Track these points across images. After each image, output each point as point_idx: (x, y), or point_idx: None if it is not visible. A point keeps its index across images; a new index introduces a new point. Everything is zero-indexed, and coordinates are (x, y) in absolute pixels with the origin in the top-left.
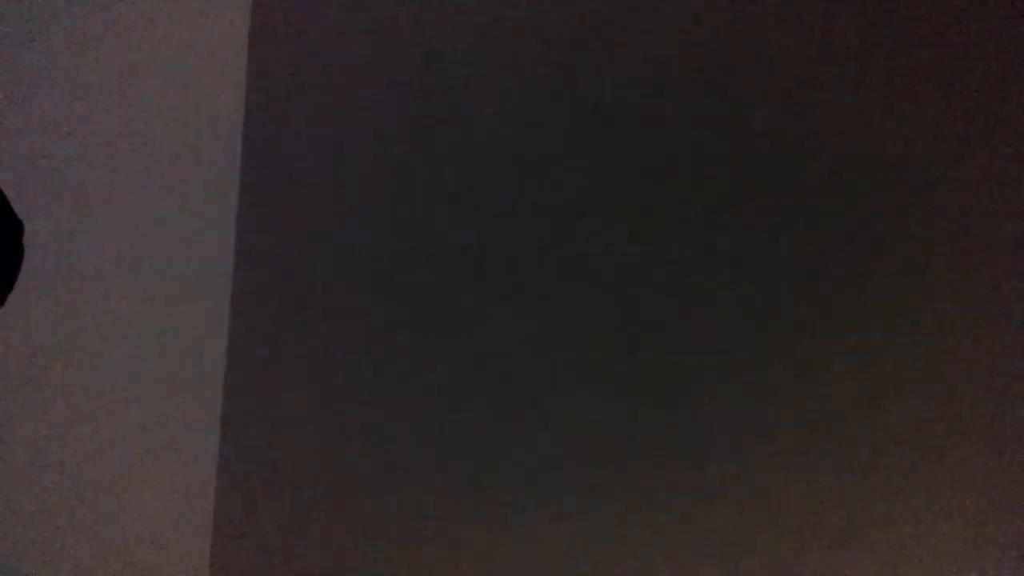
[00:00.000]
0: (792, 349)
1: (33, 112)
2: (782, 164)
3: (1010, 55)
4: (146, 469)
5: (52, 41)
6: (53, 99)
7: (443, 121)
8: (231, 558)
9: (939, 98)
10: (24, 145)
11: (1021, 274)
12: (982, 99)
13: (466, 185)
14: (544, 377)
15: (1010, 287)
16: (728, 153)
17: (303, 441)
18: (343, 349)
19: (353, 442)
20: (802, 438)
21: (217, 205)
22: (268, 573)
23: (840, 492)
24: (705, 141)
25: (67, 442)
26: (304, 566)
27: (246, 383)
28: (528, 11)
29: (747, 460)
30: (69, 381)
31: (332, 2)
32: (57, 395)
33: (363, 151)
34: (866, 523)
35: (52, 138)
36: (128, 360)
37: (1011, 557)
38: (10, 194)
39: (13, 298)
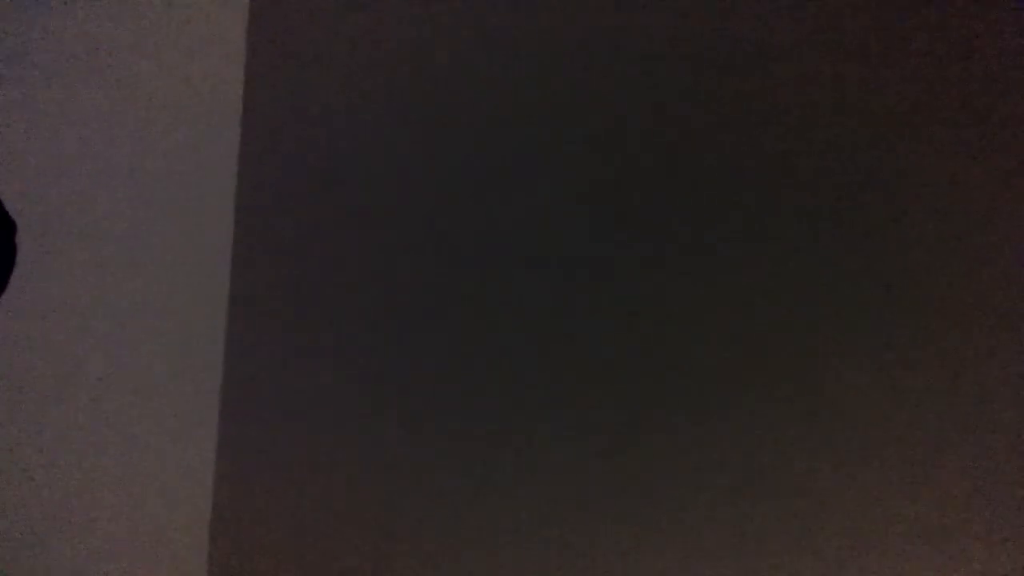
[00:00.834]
0: (792, 350)
1: (29, 112)
2: (783, 165)
3: (1011, 55)
4: (143, 468)
5: (49, 41)
6: (49, 99)
7: (443, 121)
8: (228, 557)
9: (939, 98)
10: (20, 145)
11: (1021, 275)
12: (982, 99)
13: (466, 185)
14: (545, 378)
15: (1011, 287)
16: (728, 154)
17: (300, 440)
18: (341, 348)
19: (351, 442)
20: (803, 440)
21: (215, 205)
22: (265, 572)
23: (841, 494)
24: (705, 142)
25: (64, 441)
26: (301, 565)
27: (244, 382)
28: (529, 11)
29: (747, 461)
30: (66, 380)
31: (330, 2)
32: (53, 394)
33: (362, 151)
34: (868, 525)
35: (48, 138)
36: (125, 359)
37: (1014, 558)
38: (4, 194)
39: (8, 297)
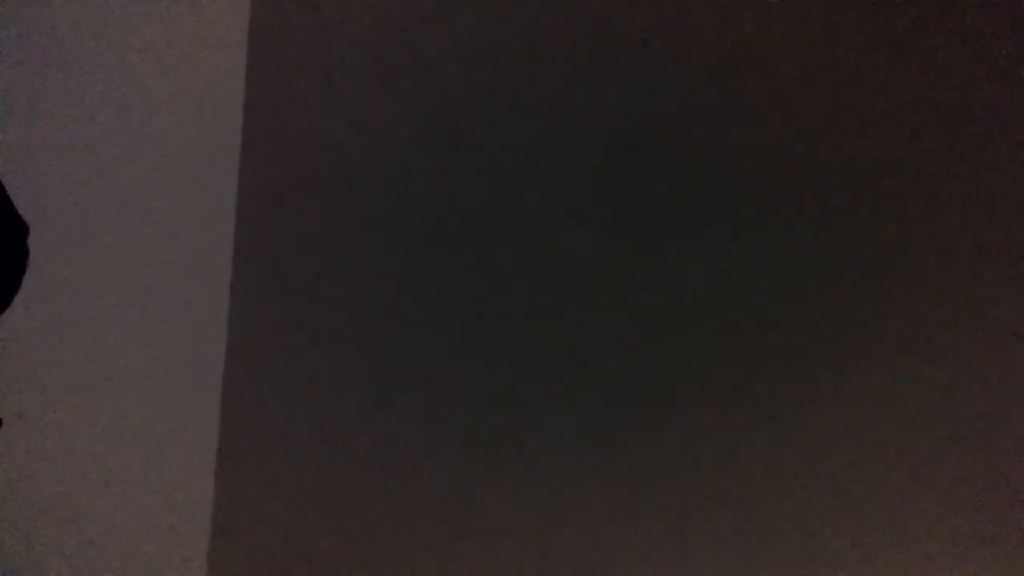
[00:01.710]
0: (792, 351)
1: (33, 114)
2: (782, 166)
3: (1011, 55)
4: (145, 468)
5: (50, 42)
6: (52, 101)
7: (444, 121)
8: (229, 556)
9: (940, 99)
10: (23, 147)
11: (1021, 275)
12: (982, 99)
13: (467, 186)
14: (546, 377)
15: (1011, 288)
16: (728, 155)
17: (301, 441)
18: (342, 349)
19: (352, 442)
20: (803, 440)
21: (216, 206)
22: (266, 572)
23: (842, 494)
24: (705, 143)
25: (66, 441)
26: (302, 565)
27: (245, 383)
28: (531, 11)
29: (747, 462)
30: (68, 381)
31: (331, 2)
32: (56, 395)
33: (363, 151)
34: (866, 529)
35: (51, 140)
36: (127, 360)
37: (1013, 560)
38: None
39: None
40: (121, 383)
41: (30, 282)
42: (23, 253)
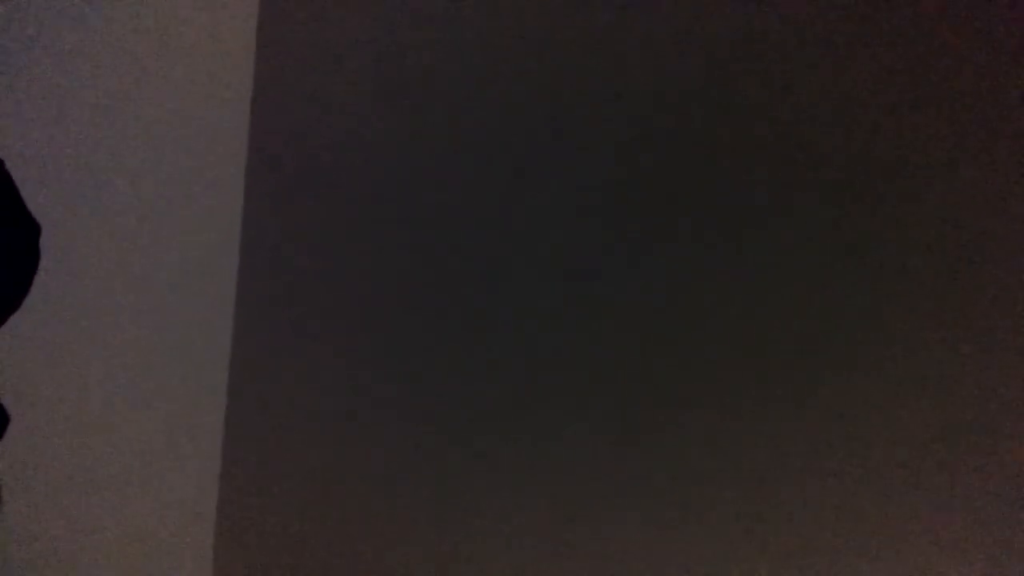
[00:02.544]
0: (792, 352)
1: (39, 116)
2: (783, 167)
3: (1011, 55)
4: (150, 470)
5: (56, 44)
6: (58, 102)
7: (449, 123)
8: (234, 558)
9: (939, 99)
10: (30, 148)
11: (1021, 275)
12: (982, 99)
13: (470, 187)
14: (549, 378)
15: (1011, 288)
16: (727, 156)
17: (306, 442)
18: (346, 351)
19: (355, 444)
20: (803, 443)
21: (222, 207)
22: (271, 573)
23: (843, 494)
24: (705, 145)
25: (70, 443)
26: (306, 567)
27: (250, 385)
28: (536, 11)
29: (750, 461)
30: (72, 383)
31: (338, 3)
32: (61, 397)
33: (371, 150)
34: (867, 528)
35: (57, 141)
36: (132, 362)
37: (1012, 560)
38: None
39: None
40: (125, 385)
41: (35, 282)
42: (34, 254)
